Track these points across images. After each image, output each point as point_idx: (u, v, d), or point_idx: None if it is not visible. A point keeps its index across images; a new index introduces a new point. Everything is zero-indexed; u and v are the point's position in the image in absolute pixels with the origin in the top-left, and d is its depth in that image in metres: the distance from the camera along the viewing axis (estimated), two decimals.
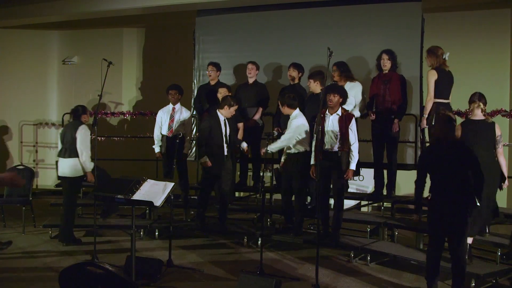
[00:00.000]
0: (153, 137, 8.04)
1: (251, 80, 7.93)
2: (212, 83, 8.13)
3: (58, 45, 11.26)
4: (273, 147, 6.68)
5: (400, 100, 6.91)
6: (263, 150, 6.61)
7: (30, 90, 10.93)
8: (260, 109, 7.87)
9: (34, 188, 9.69)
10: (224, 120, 6.97)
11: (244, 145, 7.12)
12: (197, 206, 7.37)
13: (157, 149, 7.90)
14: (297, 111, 6.64)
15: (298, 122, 6.56)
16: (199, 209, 7.22)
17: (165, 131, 7.82)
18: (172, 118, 7.81)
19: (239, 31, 8.72)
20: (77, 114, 6.97)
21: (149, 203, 4.95)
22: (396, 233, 6.64)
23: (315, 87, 7.06)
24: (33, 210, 7.88)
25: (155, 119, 8.13)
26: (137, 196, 4.89)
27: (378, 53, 7.12)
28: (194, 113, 8.47)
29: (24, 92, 10.89)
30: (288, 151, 6.65)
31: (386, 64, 6.99)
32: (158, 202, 4.90)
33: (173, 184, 5.09)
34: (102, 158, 8.27)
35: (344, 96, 6.29)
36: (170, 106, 7.88)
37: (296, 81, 7.56)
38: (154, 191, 4.97)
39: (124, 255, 5.78)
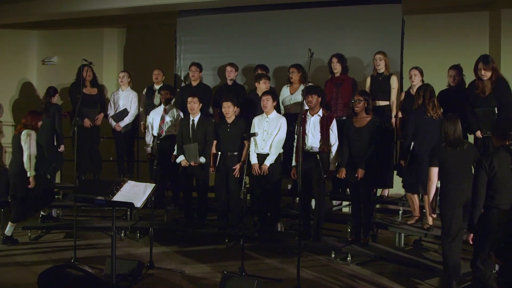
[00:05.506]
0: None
1: (230, 82, 7.94)
2: (194, 83, 8.09)
3: (37, 45, 11.09)
4: (272, 157, 6.59)
5: None
6: (265, 168, 6.53)
7: (9, 90, 10.77)
8: (238, 110, 7.85)
9: None
10: (193, 120, 7.02)
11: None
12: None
13: (148, 149, 7.79)
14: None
15: (285, 122, 6.65)
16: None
17: (155, 132, 7.69)
18: (162, 119, 7.68)
19: (220, 32, 8.71)
20: None
21: (130, 205, 4.94)
22: (377, 234, 6.69)
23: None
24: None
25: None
26: (118, 197, 4.87)
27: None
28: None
29: (2, 92, 10.74)
30: (261, 152, 6.67)
31: (336, 67, 7.14)
32: (138, 203, 4.90)
33: (153, 185, 5.09)
34: None
35: (322, 96, 6.35)
36: (162, 106, 7.76)
37: None
38: (135, 192, 4.96)
39: (105, 257, 5.74)
